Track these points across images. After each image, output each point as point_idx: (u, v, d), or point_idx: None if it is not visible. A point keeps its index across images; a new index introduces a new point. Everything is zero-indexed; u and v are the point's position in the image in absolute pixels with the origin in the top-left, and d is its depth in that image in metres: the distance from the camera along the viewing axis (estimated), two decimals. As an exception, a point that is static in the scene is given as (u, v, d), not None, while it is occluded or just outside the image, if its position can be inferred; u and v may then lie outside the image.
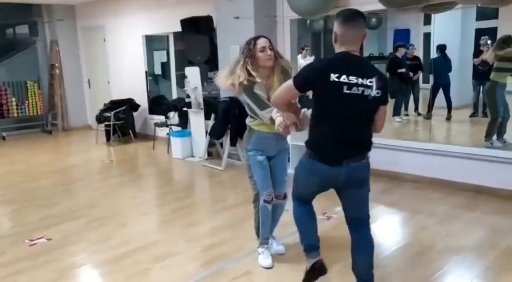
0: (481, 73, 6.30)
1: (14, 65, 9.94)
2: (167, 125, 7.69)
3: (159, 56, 9.62)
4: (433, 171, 5.20)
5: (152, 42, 9.23)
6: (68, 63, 10.21)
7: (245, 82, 3.06)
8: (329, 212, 4.28)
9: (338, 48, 2.53)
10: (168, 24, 7.89)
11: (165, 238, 4.06)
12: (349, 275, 2.81)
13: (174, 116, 7.75)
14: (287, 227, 3.88)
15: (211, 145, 6.92)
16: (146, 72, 8.92)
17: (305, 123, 2.95)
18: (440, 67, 6.85)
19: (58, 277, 3.37)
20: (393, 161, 5.42)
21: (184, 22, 7.15)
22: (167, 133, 7.58)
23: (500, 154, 4.79)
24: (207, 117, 6.75)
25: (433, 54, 6.72)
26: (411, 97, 7.83)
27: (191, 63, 7.14)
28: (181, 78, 7.92)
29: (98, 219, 4.56)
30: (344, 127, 2.53)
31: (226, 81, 3.17)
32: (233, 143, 6.15)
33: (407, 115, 7.86)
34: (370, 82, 2.47)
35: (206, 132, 6.70)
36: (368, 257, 2.74)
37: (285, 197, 3.41)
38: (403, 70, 7.64)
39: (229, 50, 6.15)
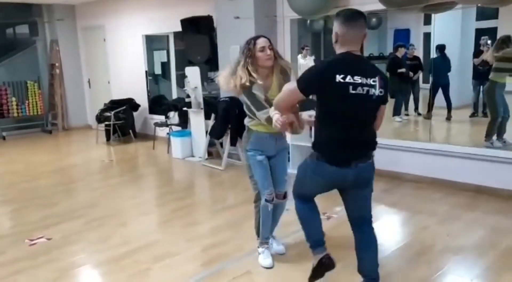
0: (481, 73, 6.30)
1: (14, 65, 9.94)
2: (167, 125, 7.69)
3: (159, 56, 9.62)
4: (434, 171, 5.20)
5: (152, 42, 9.23)
6: (68, 63, 10.21)
7: (247, 84, 3.06)
8: (329, 212, 4.28)
9: (339, 49, 2.53)
10: (168, 24, 7.89)
11: (165, 238, 4.06)
12: (349, 274, 2.82)
13: (174, 116, 7.75)
14: (287, 227, 3.89)
15: (211, 144, 6.92)
16: (146, 72, 8.93)
17: (302, 125, 2.95)
18: (440, 67, 6.85)
19: (58, 276, 3.37)
20: (394, 161, 5.42)
21: (184, 22, 7.15)
22: (167, 133, 7.58)
23: (501, 154, 4.79)
24: (207, 117, 6.76)
25: (433, 54, 6.72)
26: (411, 97, 7.83)
27: (191, 63, 7.14)
28: (181, 78, 7.93)
29: (98, 218, 4.56)
30: (350, 128, 2.53)
31: (228, 82, 3.16)
32: (233, 143, 6.16)
33: (407, 115, 7.87)
34: (373, 81, 2.48)
35: (206, 132, 6.70)
36: (374, 256, 2.74)
37: (285, 196, 3.41)
38: (403, 70, 7.64)
39: (229, 50, 6.15)
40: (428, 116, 7.02)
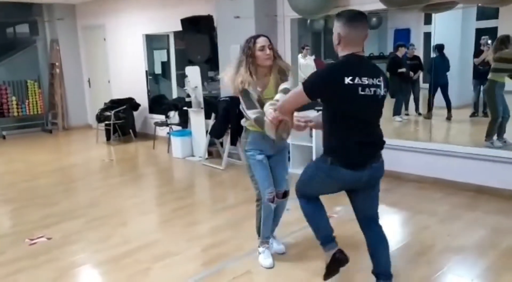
0: (481, 73, 6.31)
1: (15, 64, 9.94)
2: (167, 125, 7.69)
3: (160, 56, 9.62)
4: (434, 171, 5.20)
5: (153, 42, 9.22)
6: (68, 62, 10.21)
7: (246, 85, 3.07)
8: (329, 212, 4.22)
9: (342, 50, 2.53)
10: (169, 23, 7.89)
11: (166, 237, 4.05)
12: (351, 274, 2.82)
13: (174, 116, 7.75)
14: (287, 227, 3.90)
15: (211, 144, 6.91)
16: (146, 71, 8.92)
17: (289, 130, 2.96)
18: (438, 66, 6.85)
19: (58, 276, 3.37)
20: (394, 161, 5.41)
21: (185, 22, 7.14)
22: (167, 133, 7.58)
23: (501, 154, 4.78)
24: (207, 116, 6.76)
25: (433, 54, 6.72)
26: (411, 97, 7.84)
27: (191, 63, 7.14)
28: (182, 78, 7.92)
29: (98, 218, 4.56)
30: (362, 130, 2.54)
31: (233, 82, 3.16)
32: (233, 142, 6.15)
33: (407, 115, 7.87)
34: (379, 81, 2.50)
35: (207, 131, 6.70)
36: (387, 252, 2.75)
37: (285, 195, 3.40)
38: (404, 69, 7.65)
39: (229, 50, 6.15)
40: (428, 116, 7.02)
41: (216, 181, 5.99)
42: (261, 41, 3.12)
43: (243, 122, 3.27)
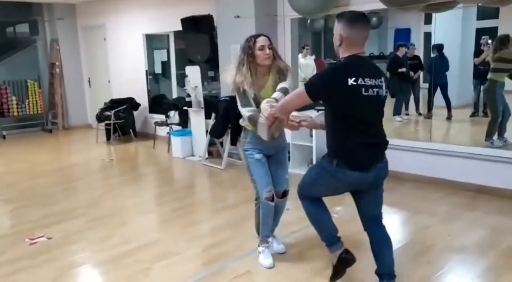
0: (481, 73, 6.31)
1: (15, 64, 9.93)
2: (167, 125, 7.69)
3: (160, 55, 9.62)
4: (435, 171, 5.20)
5: (153, 41, 9.22)
6: (68, 62, 10.20)
7: (246, 86, 3.08)
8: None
9: (345, 52, 2.53)
10: (169, 23, 7.89)
11: (166, 237, 4.05)
12: (352, 274, 2.81)
13: (174, 116, 7.76)
14: (287, 226, 3.90)
15: (211, 144, 6.91)
16: (146, 71, 8.92)
17: (281, 129, 2.98)
18: (438, 66, 6.85)
19: (59, 276, 3.37)
20: (395, 161, 5.38)
21: (185, 21, 7.14)
22: (168, 133, 7.58)
23: (502, 154, 4.78)
24: (207, 116, 6.75)
25: (433, 53, 6.73)
26: (412, 96, 7.84)
27: (191, 62, 7.14)
28: (182, 77, 7.92)
29: (98, 218, 4.56)
30: (367, 131, 2.54)
31: (233, 81, 3.17)
32: (233, 142, 6.14)
33: (407, 114, 7.87)
34: (380, 82, 2.51)
35: (207, 131, 6.70)
36: (391, 252, 2.75)
37: (284, 195, 3.40)
38: (404, 69, 7.65)
39: (229, 49, 6.15)
40: (429, 116, 7.02)
41: (216, 181, 5.99)
42: (261, 41, 3.12)
43: (241, 122, 3.27)
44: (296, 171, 5.61)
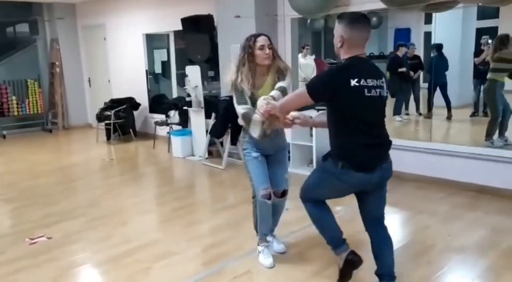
0: (481, 73, 6.30)
1: (15, 63, 9.94)
2: (167, 124, 7.69)
3: (160, 55, 9.62)
4: (435, 171, 5.20)
5: (153, 41, 9.22)
6: (68, 61, 10.21)
7: (246, 85, 3.09)
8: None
9: (346, 53, 2.52)
10: (169, 22, 7.88)
11: (166, 237, 4.05)
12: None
13: (174, 115, 7.76)
14: (287, 226, 3.90)
15: (211, 143, 6.91)
16: (146, 71, 8.93)
17: (275, 127, 3.00)
18: (437, 66, 6.85)
19: (59, 275, 3.37)
20: (395, 161, 5.37)
21: (185, 21, 7.14)
22: (168, 132, 7.58)
23: (503, 154, 4.77)
24: (207, 116, 6.75)
25: (432, 53, 6.72)
26: (412, 96, 7.83)
27: (191, 62, 7.14)
28: (182, 77, 7.92)
29: (98, 217, 4.56)
30: (371, 131, 2.54)
31: (233, 79, 3.18)
32: (233, 142, 6.14)
33: (407, 114, 7.87)
34: (382, 82, 2.52)
35: (207, 131, 6.70)
36: (392, 253, 2.75)
37: (283, 194, 3.39)
38: (404, 69, 7.65)
39: (229, 49, 6.14)
40: (429, 115, 7.02)
41: (216, 181, 5.99)
42: (261, 40, 3.12)
43: (239, 121, 3.27)
44: (296, 170, 5.61)
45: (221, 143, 6.78)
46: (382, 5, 5.06)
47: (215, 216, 4.56)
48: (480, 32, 6.82)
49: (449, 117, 7.07)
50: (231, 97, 6.09)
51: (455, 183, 5.00)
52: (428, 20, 6.92)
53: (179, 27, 7.32)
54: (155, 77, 9.70)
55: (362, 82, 2.43)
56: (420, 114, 7.80)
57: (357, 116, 2.50)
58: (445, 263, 3.34)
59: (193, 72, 6.73)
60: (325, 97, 2.54)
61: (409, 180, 5.30)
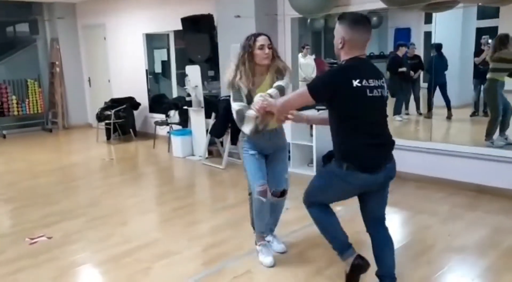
0: (482, 73, 6.30)
1: (15, 63, 9.94)
2: (167, 124, 7.69)
3: (160, 55, 9.62)
4: (435, 171, 5.20)
5: (153, 41, 9.22)
6: (68, 61, 10.20)
7: (245, 84, 3.10)
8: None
9: (347, 54, 2.53)
10: (169, 22, 7.88)
11: (166, 236, 4.05)
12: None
13: (174, 115, 7.76)
14: (288, 226, 3.90)
15: (211, 143, 6.91)
16: (146, 70, 8.92)
17: (268, 123, 3.01)
18: (436, 66, 6.85)
19: (59, 275, 3.37)
20: (395, 160, 5.40)
21: (185, 21, 7.14)
22: (168, 132, 7.58)
23: (503, 154, 4.77)
24: (207, 116, 6.75)
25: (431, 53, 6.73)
26: (412, 96, 7.83)
27: (191, 62, 7.14)
28: (182, 77, 7.92)
29: (98, 217, 4.56)
30: (373, 131, 2.55)
31: (231, 77, 3.19)
32: (233, 142, 6.15)
33: (407, 114, 7.87)
34: (382, 82, 2.53)
35: (207, 131, 6.69)
36: (393, 253, 2.74)
37: (283, 194, 3.38)
38: (404, 69, 7.64)
39: (229, 49, 6.14)
40: (429, 115, 7.02)
41: (216, 180, 5.99)
42: (261, 40, 3.12)
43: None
44: (296, 170, 5.61)
45: (221, 143, 6.78)
46: (382, 5, 5.06)
47: (215, 215, 4.55)
48: (480, 32, 6.82)
49: (449, 117, 7.07)
50: (231, 97, 6.13)
51: (455, 182, 5.00)
52: (428, 20, 6.91)
53: (179, 27, 7.32)
54: (155, 77, 9.70)
55: (364, 82, 2.43)
56: (420, 114, 7.80)
57: (360, 117, 2.50)
58: (445, 263, 3.34)
59: (193, 72, 6.73)
60: (326, 97, 2.54)
61: (409, 180, 5.29)
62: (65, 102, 10.27)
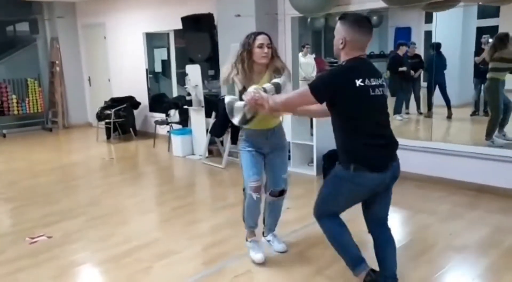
0: (482, 72, 6.28)
1: (15, 62, 9.92)
2: (167, 123, 7.68)
3: (160, 54, 9.60)
4: (436, 170, 5.19)
5: (153, 40, 9.21)
6: (68, 60, 10.19)
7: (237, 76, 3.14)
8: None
9: (347, 55, 2.52)
10: (169, 21, 7.87)
11: (166, 236, 4.05)
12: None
13: (174, 114, 7.75)
14: (288, 225, 3.90)
15: (211, 142, 6.91)
16: (146, 70, 8.92)
17: (257, 113, 3.00)
18: (435, 65, 6.84)
19: (59, 275, 3.37)
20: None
21: (185, 20, 7.14)
22: (168, 131, 7.57)
23: (503, 153, 4.77)
24: (207, 115, 6.75)
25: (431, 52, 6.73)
26: (412, 95, 7.82)
27: (191, 61, 7.13)
28: (182, 76, 7.91)
29: (98, 217, 4.56)
30: (378, 131, 2.55)
31: (226, 74, 3.21)
32: (233, 141, 6.13)
33: (408, 113, 7.86)
34: (382, 82, 2.54)
35: (207, 130, 6.69)
36: (395, 254, 2.74)
37: (281, 193, 3.38)
38: (404, 68, 7.64)
39: (230, 48, 6.13)
40: (429, 114, 7.01)
41: (217, 180, 5.99)
42: (260, 39, 3.12)
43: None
44: (297, 170, 5.61)
45: (221, 142, 6.78)
46: (382, 4, 5.05)
47: (215, 215, 4.55)
48: (480, 31, 6.81)
49: (449, 116, 7.06)
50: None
51: (456, 182, 5.00)
52: (429, 19, 6.91)
53: (179, 26, 7.32)
54: (155, 76, 9.69)
55: (367, 82, 2.44)
56: (420, 113, 7.79)
57: (364, 117, 2.49)
58: (446, 263, 3.34)
59: (193, 71, 6.73)
60: (327, 97, 2.53)
61: (409, 179, 5.28)
62: (65, 102, 10.26)
